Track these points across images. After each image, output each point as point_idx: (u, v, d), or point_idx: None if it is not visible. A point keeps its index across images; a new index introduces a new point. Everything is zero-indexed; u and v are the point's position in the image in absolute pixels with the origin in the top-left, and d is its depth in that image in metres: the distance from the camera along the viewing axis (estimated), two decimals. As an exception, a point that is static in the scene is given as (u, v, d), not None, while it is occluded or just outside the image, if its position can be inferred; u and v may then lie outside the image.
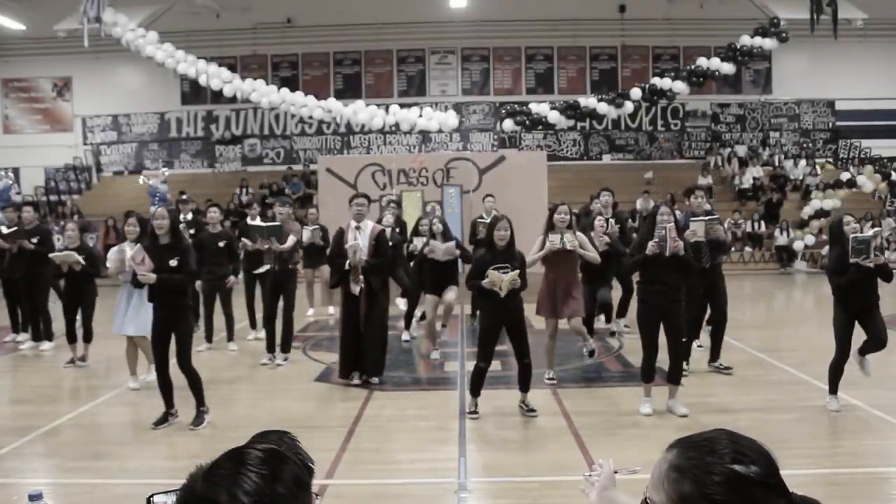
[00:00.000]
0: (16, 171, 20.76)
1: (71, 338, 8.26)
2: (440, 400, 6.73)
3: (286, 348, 8.25)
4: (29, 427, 5.90)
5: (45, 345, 9.16)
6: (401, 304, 10.28)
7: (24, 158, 21.20)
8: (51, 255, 8.15)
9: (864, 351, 6.16)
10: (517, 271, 5.90)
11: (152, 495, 1.28)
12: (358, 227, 7.12)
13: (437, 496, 4.56)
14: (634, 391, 6.84)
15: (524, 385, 6.14)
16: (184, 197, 11.86)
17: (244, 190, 19.91)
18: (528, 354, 6.09)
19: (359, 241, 7.04)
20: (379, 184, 12.53)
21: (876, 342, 6.03)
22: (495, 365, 7.77)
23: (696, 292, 6.95)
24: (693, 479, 1.16)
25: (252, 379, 7.64)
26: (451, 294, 8.29)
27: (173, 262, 5.77)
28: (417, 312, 9.43)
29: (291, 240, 8.16)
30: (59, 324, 9.48)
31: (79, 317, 8.32)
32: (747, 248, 17.98)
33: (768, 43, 16.30)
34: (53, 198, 20.85)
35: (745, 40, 16.30)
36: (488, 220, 8.63)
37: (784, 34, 16.30)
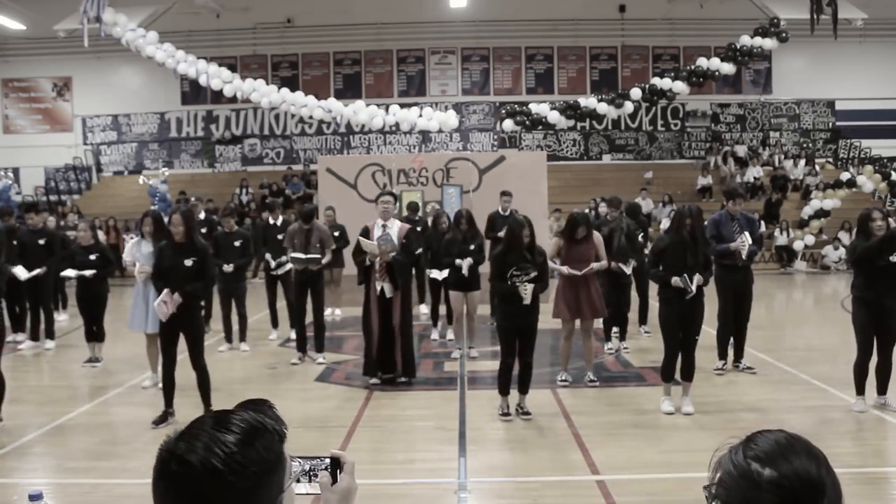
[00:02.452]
0: (16, 171, 20.77)
1: (90, 336, 8.30)
2: (440, 400, 6.72)
3: (321, 348, 8.26)
4: (29, 427, 5.90)
5: (48, 343, 9.17)
6: (422, 308, 10.39)
7: (24, 158, 21.19)
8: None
9: (881, 388, 6.10)
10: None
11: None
12: (385, 226, 7.12)
13: (437, 496, 4.56)
14: (634, 391, 6.86)
15: (523, 386, 6.14)
16: (192, 199, 11.89)
17: (244, 190, 19.92)
18: (531, 354, 6.10)
19: (390, 234, 7.03)
20: (379, 184, 12.53)
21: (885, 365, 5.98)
22: (495, 365, 7.79)
23: None
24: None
25: (252, 379, 7.64)
26: (473, 307, 8.35)
27: (188, 262, 5.80)
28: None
29: (328, 256, 8.29)
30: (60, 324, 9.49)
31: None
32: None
33: (768, 43, 16.29)
34: (53, 198, 20.85)
35: (745, 40, 16.29)
36: (505, 216, 8.78)
37: (784, 34, 16.29)
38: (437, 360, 8.32)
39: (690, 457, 4.85)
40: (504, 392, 6.09)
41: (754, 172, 20.04)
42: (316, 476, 1.34)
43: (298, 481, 1.32)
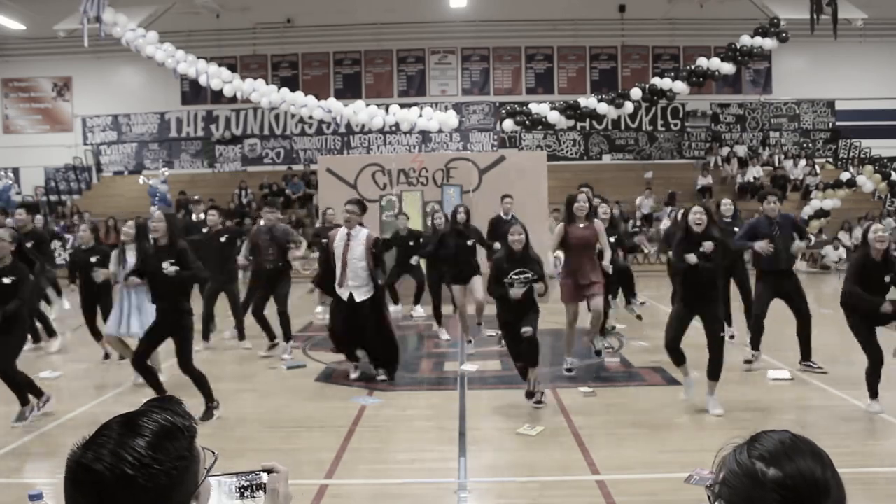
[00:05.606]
0: (16, 171, 20.78)
1: (96, 336, 8.30)
2: (440, 400, 6.72)
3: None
4: (29, 427, 5.90)
5: (55, 343, 9.13)
6: (419, 310, 10.38)
7: (24, 158, 21.20)
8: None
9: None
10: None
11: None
12: (349, 235, 7.09)
13: (437, 496, 4.56)
14: (634, 391, 6.86)
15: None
16: (196, 197, 11.87)
17: (244, 190, 19.92)
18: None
19: None
20: (379, 184, 12.54)
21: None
22: (494, 365, 7.82)
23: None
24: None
25: (252, 378, 7.64)
26: (479, 293, 8.36)
27: (166, 265, 5.81)
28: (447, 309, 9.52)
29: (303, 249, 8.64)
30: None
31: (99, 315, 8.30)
32: (747, 248, 17.97)
33: (768, 43, 16.30)
34: (53, 198, 20.86)
35: (745, 40, 16.30)
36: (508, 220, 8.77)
37: (784, 34, 16.29)
38: (437, 361, 8.31)
39: (690, 457, 4.85)
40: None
41: (754, 172, 20.05)
42: (254, 494, 1.37)
43: (236, 496, 1.35)
